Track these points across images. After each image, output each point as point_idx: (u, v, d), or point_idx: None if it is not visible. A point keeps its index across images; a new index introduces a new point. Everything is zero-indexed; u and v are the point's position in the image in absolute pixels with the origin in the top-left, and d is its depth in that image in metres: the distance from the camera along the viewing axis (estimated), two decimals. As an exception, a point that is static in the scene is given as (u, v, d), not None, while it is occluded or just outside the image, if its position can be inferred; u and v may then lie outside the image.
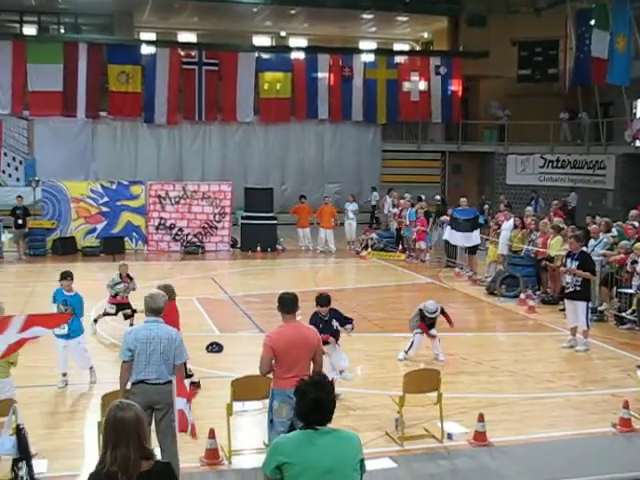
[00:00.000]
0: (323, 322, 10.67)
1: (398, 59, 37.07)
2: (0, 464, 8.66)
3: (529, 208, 22.52)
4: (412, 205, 25.65)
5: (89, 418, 10.02)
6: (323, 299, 10.78)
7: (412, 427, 9.83)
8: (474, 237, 21.50)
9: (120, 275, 14.94)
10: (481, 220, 23.99)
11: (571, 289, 14.07)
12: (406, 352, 13.08)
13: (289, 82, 34.98)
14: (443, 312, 13.27)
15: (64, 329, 11.78)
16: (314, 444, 4.67)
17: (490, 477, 8.66)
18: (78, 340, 12.05)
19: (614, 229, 17.93)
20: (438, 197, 27.74)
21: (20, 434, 8.30)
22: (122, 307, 14.84)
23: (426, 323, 13.04)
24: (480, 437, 9.49)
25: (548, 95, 34.94)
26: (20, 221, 24.19)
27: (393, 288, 20.59)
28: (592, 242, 17.24)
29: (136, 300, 14.09)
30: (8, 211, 25.05)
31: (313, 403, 4.71)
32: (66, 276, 12.07)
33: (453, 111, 36.89)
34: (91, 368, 11.99)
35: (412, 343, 13.08)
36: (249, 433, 9.85)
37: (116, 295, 14.84)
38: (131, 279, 15.02)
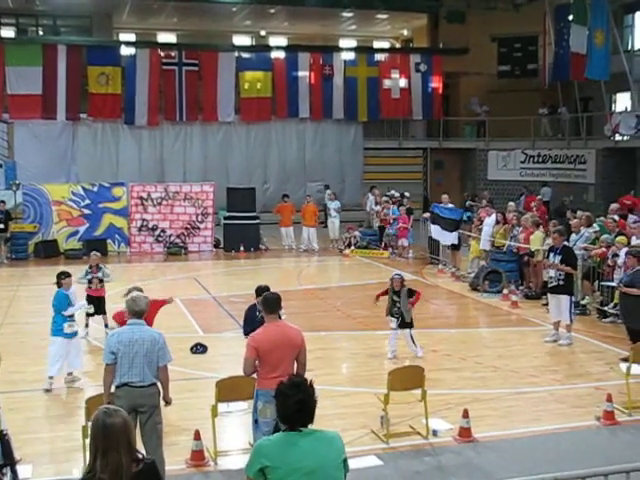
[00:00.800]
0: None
1: (378, 57, 37.08)
2: (-16, 470, 8.64)
3: (511, 203, 22.58)
4: (393, 202, 25.73)
5: (73, 422, 9.98)
6: (263, 290, 9.77)
7: (397, 424, 9.86)
8: (452, 237, 21.65)
9: (90, 266, 14.97)
10: (465, 217, 24.03)
11: (554, 283, 14.14)
12: (392, 351, 13.16)
13: (269, 81, 34.92)
14: (411, 292, 13.25)
15: (74, 327, 11.94)
16: (296, 446, 4.67)
17: (476, 473, 8.69)
18: (77, 339, 12.17)
19: (596, 224, 18.04)
20: (395, 193, 27.65)
21: (4, 439, 8.26)
22: (97, 301, 14.50)
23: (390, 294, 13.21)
24: (465, 433, 9.54)
25: (528, 90, 35.11)
26: (1, 225, 24.02)
27: (377, 285, 20.43)
28: (574, 236, 17.34)
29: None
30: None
31: (296, 405, 4.70)
32: (67, 275, 12.16)
33: (434, 108, 36.93)
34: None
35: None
36: (234, 434, 9.86)
37: (90, 285, 14.71)
38: (99, 268, 14.88)
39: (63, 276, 12.14)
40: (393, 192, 28.04)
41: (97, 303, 14.47)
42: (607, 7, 29.07)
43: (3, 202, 24.75)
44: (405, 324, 13.10)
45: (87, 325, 14.69)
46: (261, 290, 10.11)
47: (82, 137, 33.29)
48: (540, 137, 34.83)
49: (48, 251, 24.80)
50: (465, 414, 9.59)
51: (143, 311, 8.07)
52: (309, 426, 4.78)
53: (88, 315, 14.67)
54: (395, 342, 13.20)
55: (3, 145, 32.29)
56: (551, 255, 14.34)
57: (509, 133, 34.72)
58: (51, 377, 11.65)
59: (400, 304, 13.05)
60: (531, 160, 34.44)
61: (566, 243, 14.98)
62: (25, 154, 31.65)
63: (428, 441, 9.54)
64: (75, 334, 11.99)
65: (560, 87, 32.96)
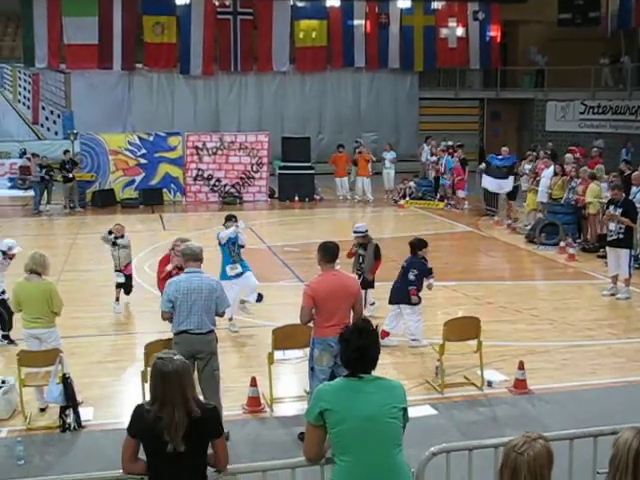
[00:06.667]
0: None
1: (435, 5, 36.27)
2: (49, 411, 8.90)
3: (569, 155, 22.11)
4: (450, 153, 25.42)
5: (133, 367, 10.20)
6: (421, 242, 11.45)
7: (452, 375, 9.89)
8: (507, 183, 21.35)
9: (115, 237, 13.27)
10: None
11: (614, 237, 13.93)
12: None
13: (325, 30, 34.53)
14: (377, 250, 12.54)
15: (237, 269, 11.90)
16: (356, 392, 4.69)
17: (530, 424, 8.65)
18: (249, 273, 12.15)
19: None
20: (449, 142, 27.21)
21: (67, 383, 8.51)
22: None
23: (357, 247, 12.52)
24: (520, 385, 9.53)
25: (589, 39, 34.15)
26: (70, 175, 24.38)
27: (431, 237, 20.27)
28: (633, 189, 16.97)
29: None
30: (57, 164, 25.20)
31: (358, 351, 4.72)
32: (230, 218, 12.16)
33: (491, 57, 36.25)
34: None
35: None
36: (290, 381, 9.98)
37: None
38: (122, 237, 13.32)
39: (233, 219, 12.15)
40: (449, 142, 27.66)
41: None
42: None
43: (68, 151, 25.15)
44: (366, 283, 12.22)
45: (118, 299, 13.27)
46: (419, 242, 11.12)
47: (138, 87, 33.47)
48: (600, 87, 33.98)
49: (105, 200, 25.11)
50: (520, 366, 9.57)
51: (200, 257, 8.16)
52: (372, 373, 4.80)
53: (118, 286, 13.35)
54: None
55: (60, 95, 32.74)
56: (611, 208, 14.12)
57: (568, 83, 33.93)
58: (230, 319, 11.88)
59: (365, 259, 12.37)
60: (591, 111, 33.68)
61: (625, 196, 14.72)
62: (82, 104, 32.01)
63: (482, 392, 9.55)
64: (239, 275, 11.95)
65: (623, 36, 32.04)
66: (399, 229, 22.16)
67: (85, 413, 8.73)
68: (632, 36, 31.95)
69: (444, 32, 35.82)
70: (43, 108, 32.73)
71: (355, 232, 12.59)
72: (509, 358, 10.50)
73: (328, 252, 7.93)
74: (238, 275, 11.92)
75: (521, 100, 36.47)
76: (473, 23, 35.93)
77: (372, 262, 12.41)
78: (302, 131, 31.76)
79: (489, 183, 22.17)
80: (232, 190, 26.28)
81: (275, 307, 13.39)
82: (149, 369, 4.76)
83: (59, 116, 32.79)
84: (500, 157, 22.25)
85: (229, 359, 9.82)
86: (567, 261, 17.17)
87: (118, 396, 9.57)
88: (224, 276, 11.64)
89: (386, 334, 11.04)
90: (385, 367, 9.35)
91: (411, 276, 11.13)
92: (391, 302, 11.42)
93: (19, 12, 31.98)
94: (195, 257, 8.10)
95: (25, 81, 32.70)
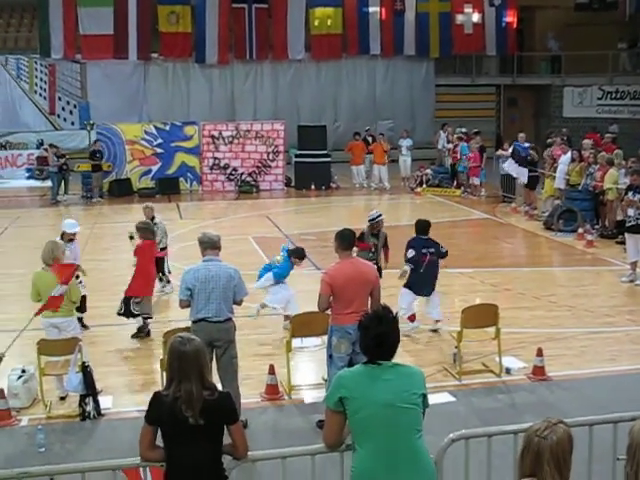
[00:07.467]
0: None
1: (451, -9, 36.14)
2: (68, 400, 8.96)
3: (586, 141, 21.94)
4: (466, 140, 25.28)
5: (152, 355, 10.24)
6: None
7: (470, 362, 9.88)
8: (523, 173, 21.21)
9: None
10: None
11: (633, 223, 13.84)
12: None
13: (340, 17, 34.36)
14: (386, 240, 12.15)
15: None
16: (376, 379, 4.69)
17: (549, 411, 8.61)
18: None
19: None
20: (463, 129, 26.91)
21: (86, 371, 8.56)
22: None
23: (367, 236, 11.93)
24: (539, 372, 9.50)
25: (607, 24, 33.83)
26: (99, 164, 24.58)
27: (448, 224, 20.37)
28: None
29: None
30: (86, 154, 25.26)
31: (377, 338, 4.71)
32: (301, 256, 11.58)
33: (508, 43, 35.96)
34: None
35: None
36: (308, 369, 10.00)
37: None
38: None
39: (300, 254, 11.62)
40: (463, 129, 27.51)
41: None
42: None
43: (98, 140, 25.25)
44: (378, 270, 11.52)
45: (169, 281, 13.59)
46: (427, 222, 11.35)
47: (153, 76, 33.44)
48: (618, 73, 33.71)
49: (122, 190, 25.18)
50: (539, 353, 9.54)
51: (218, 245, 8.15)
52: (391, 360, 4.79)
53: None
54: None
55: (77, 85, 32.81)
56: (630, 193, 14.02)
57: (586, 69, 33.64)
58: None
59: (377, 248, 11.86)
60: (608, 96, 33.43)
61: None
62: (98, 94, 32.06)
63: (501, 379, 9.54)
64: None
65: (641, 20, 31.76)
66: (416, 217, 21.69)
67: (104, 401, 8.79)
68: (650, 20, 31.66)
69: (460, 18, 35.53)
70: (59, 99, 32.81)
71: (372, 219, 12.04)
72: (527, 345, 10.46)
73: (345, 240, 7.93)
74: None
75: (538, 86, 36.20)
76: (489, 9, 35.63)
77: (381, 249, 12.02)
78: (318, 119, 31.73)
79: (507, 166, 21.91)
80: (248, 179, 26.28)
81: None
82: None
83: (75, 106, 32.86)
84: (519, 144, 22.13)
85: (247, 347, 9.84)
86: (585, 247, 17.09)
87: (137, 384, 9.61)
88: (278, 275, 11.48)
89: (414, 317, 11.08)
90: (402, 354, 9.33)
91: (443, 250, 11.30)
92: (427, 294, 11.29)
93: (35, 3, 32.11)
94: (213, 245, 8.11)
95: (41, 72, 32.79)
